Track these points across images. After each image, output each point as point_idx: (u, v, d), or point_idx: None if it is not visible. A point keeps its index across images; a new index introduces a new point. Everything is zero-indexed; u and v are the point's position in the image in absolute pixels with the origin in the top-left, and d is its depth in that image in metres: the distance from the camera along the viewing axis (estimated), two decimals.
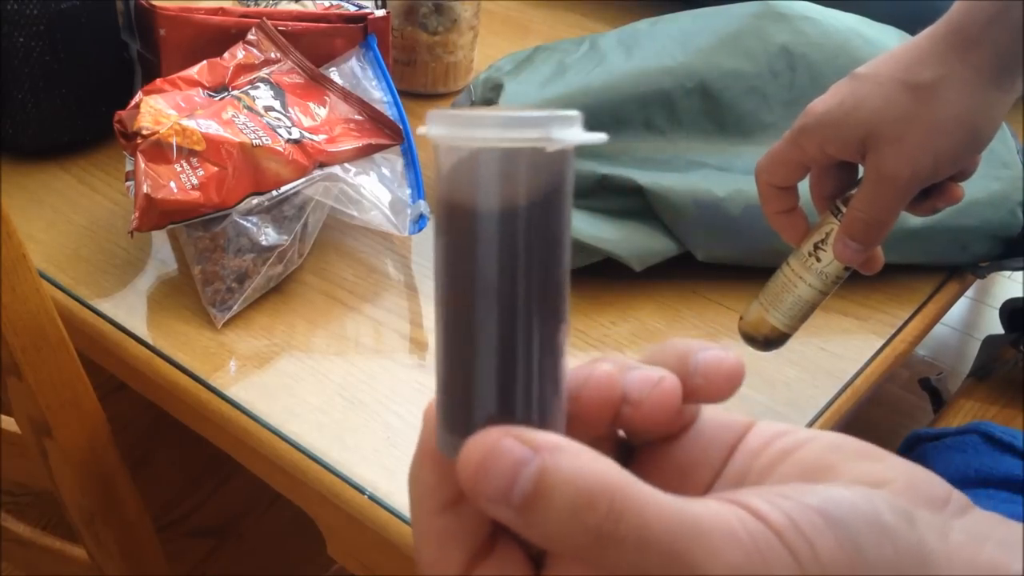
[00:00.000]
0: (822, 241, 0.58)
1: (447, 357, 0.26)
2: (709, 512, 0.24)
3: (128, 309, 0.72)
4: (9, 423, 0.73)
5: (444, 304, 0.26)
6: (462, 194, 0.25)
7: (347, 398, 0.66)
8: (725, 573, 0.23)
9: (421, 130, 0.25)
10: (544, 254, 0.25)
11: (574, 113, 0.24)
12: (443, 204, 0.25)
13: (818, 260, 0.58)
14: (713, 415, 0.30)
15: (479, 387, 0.25)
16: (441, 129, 0.25)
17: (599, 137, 0.25)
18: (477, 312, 0.25)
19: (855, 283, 0.77)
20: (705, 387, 0.28)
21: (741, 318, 0.63)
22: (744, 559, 0.23)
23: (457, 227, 0.25)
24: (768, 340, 0.62)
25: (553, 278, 0.25)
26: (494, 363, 0.25)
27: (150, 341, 0.70)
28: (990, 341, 0.99)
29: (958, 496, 0.28)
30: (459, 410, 0.26)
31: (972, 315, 1.97)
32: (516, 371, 0.25)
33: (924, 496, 0.27)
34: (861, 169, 0.57)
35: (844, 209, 0.58)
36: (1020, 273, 0.81)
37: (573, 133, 0.24)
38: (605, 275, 0.75)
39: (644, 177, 0.74)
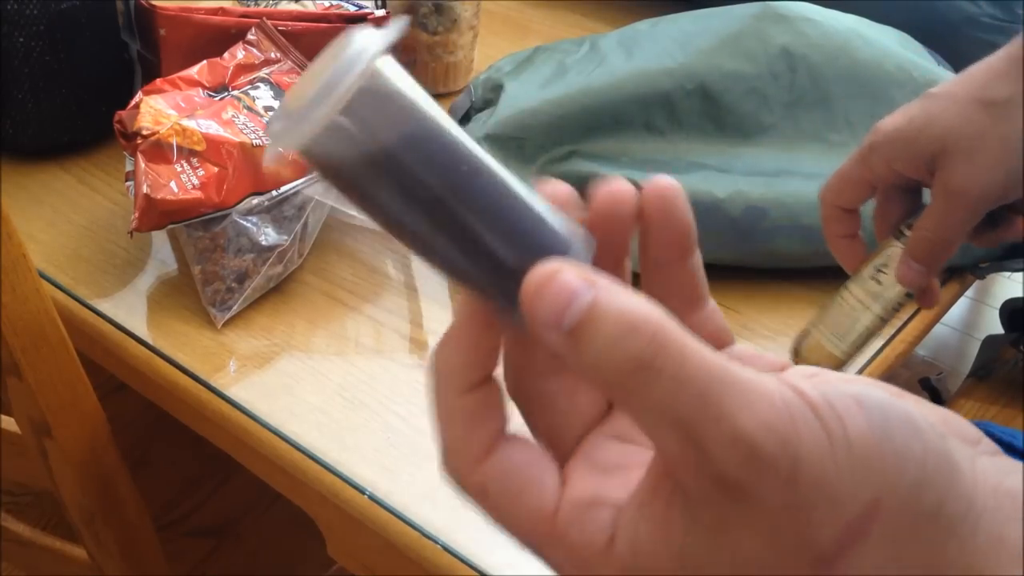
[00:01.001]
0: (884, 265, 0.58)
1: (447, 268, 0.28)
2: (748, 373, 0.24)
3: (128, 309, 0.72)
4: (9, 423, 0.73)
5: (409, 242, 0.28)
6: (331, 173, 0.27)
7: (347, 398, 0.66)
8: (753, 426, 0.23)
9: (269, 158, 0.27)
10: (434, 161, 0.27)
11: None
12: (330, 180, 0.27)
13: (879, 283, 0.58)
14: (751, 352, 0.31)
15: (480, 273, 0.28)
16: (280, 142, 0.26)
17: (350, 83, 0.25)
18: (425, 235, 0.28)
19: None
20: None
21: (795, 351, 0.61)
22: (775, 417, 0.23)
23: (355, 194, 0.27)
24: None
25: (458, 169, 0.27)
26: (473, 249, 0.28)
27: (150, 341, 0.70)
28: (990, 341, 0.99)
29: (988, 441, 0.28)
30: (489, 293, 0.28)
31: (972, 315, 1.97)
32: (488, 241, 0.27)
33: (956, 430, 0.28)
34: (927, 196, 0.57)
35: (908, 233, 0.57)
36: (1020, 273, 0.81)
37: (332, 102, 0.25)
38: None
39: (644, 178, 0.74)
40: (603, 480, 0.28)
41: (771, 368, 0.29)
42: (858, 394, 0.25)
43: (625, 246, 0.31)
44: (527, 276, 0.25)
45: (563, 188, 0.31)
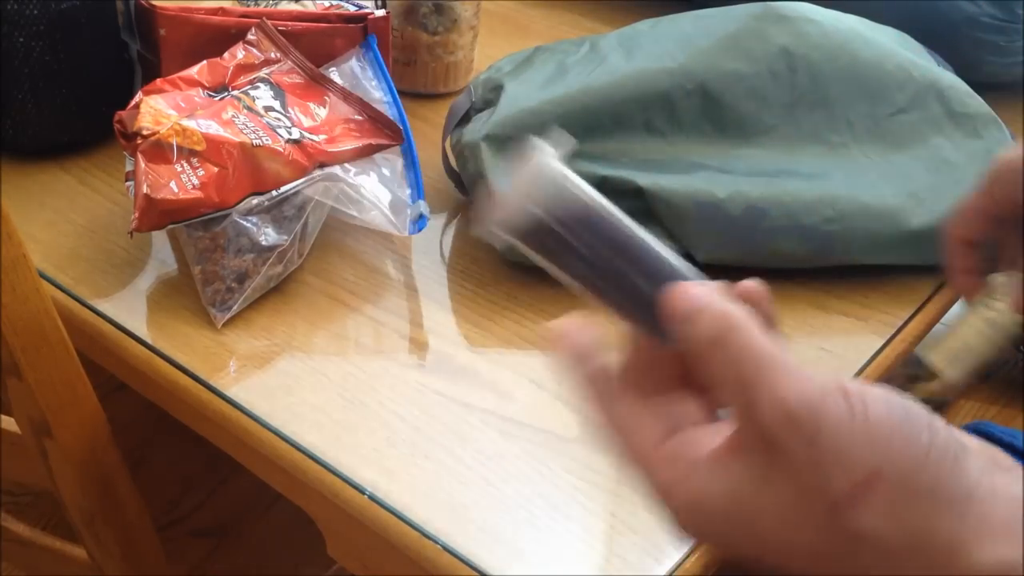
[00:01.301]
0: (1000, 294, 0.58)
1: (613, 306, 0.39)
2: (798, 364, 0.33)
3: (128, 309, 0.72)
4: (9, 423, 0.73)
5: (587, 291, 0.39)
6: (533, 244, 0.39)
7: (347, 398, 0.66)
8: (791, 394, 0.32)
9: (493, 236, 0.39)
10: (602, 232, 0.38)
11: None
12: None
13: (993, 311, 0.59)
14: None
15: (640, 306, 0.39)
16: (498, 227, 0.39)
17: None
18: (597, 284, 0.39)
19: (855, 283, 0.77)
20: None
21: (913, 376, 0.62)
22: (809, 390, 0.32)
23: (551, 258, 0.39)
24: (945, 394, 0.61)
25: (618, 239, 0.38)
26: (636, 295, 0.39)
27: (150, 341, 0.70)
28: None
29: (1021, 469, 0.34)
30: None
31: None
32: (641, 285, 0.38)
33: (988, 454, 0.34)
34: None
35: None
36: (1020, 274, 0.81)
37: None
38: None
39: (644, 179, 0.74)
40: (692, 444, 0.37)
41: None
42: (890, 395, 0.32)
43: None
44: (670, 289, 0.36)
45: (754, 286, 0.39)
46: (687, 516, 0.35)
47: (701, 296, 0.35)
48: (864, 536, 0.31)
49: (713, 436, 0.36)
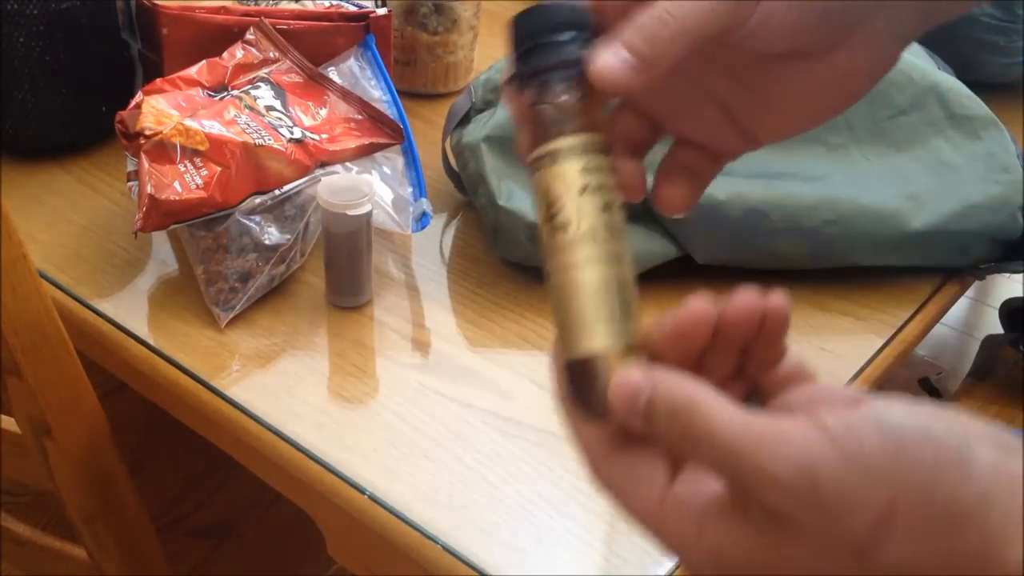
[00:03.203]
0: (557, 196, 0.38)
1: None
2: (771, 424, 0.31)
3: (128, 309, 0.72)
4: (9, 423, 0.73)
5: None
6: None
7: (347, 398, 0.66)
8: (775, 466, 0.30)
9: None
10: None
11: None
12: None
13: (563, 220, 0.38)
14: (829, 387, 0.37)
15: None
16: None
17: None
18: None
19: (855, 283, 0.77)
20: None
21: None
22: (792, 454, 0.30)
23: None
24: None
25: None
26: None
27: (150, 341, 0.70)
28: (990, 341, 1.00)
29: (1013, 440, 0.32)
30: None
31: (972, 315, 1.97)
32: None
33: (992, 437, 0.32)
34: None
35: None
36: (1020, 274, 0.81)
37: None
38: None
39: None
40: (696, 485, 0.35)
41: (844, 400, 0.34)
42: (878, 416, 0.31)
43: (695, 360, 0.37)
44: (612, 385, 0.34)
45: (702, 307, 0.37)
46: (710, 568, 0.34)
47: (643, 385, 0.34)
48: (895, 568, 0.30)
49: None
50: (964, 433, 0.31)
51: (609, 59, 0.36)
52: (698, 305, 0.37)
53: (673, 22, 0.36)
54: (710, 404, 0.32)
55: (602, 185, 0.37)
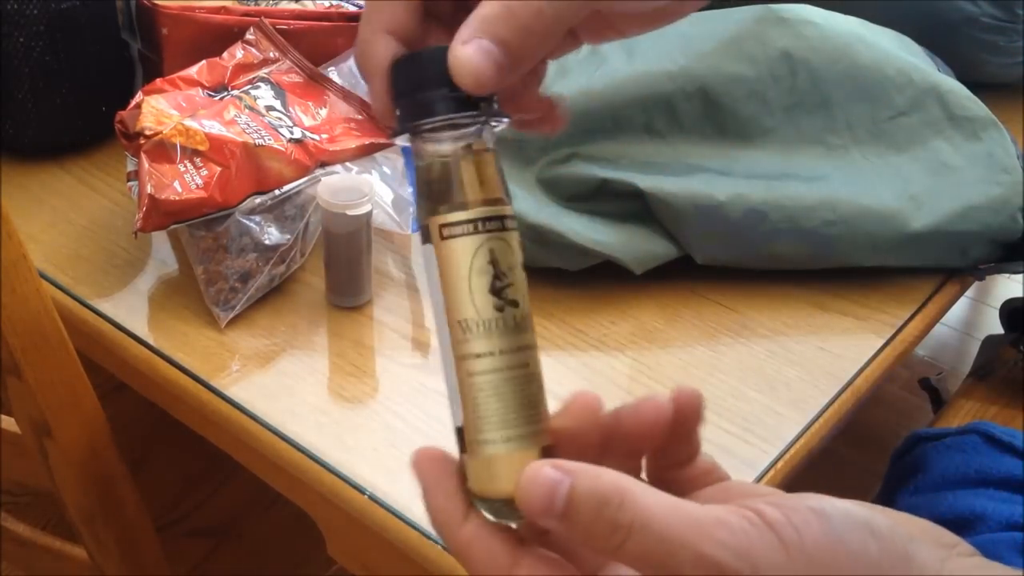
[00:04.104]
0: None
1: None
2: (704, 509, 0.29)
3: (128, 309, 0.72)
4: (9, 423, 0.73)
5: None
6: None
7: (347, 398, 0.66)
8: (712, 548, 0.28)
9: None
10: None
11: None
12: None
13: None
14: (741, 485, 0.35)
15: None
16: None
17: None
18: None
19: (855, 283, 0.77)
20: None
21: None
22: (730, 537, 0.29)
23: None
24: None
25: None
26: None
27: (150, 341, 0.70)
28: (990, 341, 1.00)
29: (966, 545, 0.31)
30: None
31: (972, 315, 1.97)
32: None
33: (933, 537, 0.31)
34: None
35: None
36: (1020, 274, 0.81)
37: None
38: (605, 276, 0.75)
39: (644, 181, 0.74)
40: None
41: (755, 494, 0.33)
42: (818, 507, 0.29)
43: (596, 448, 0.34)
44: (519, 480, 0.31)
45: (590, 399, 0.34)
46: None
47: (579, 483, 0.30)
48: None
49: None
50: (907, 530, 0.30)
51: (471, 52, 0.31)
52: (586, 399, 0.34)
53: (547, 8, 0.31)
54: (639, 491, 0.30)
55: (496, 264, 0.33)
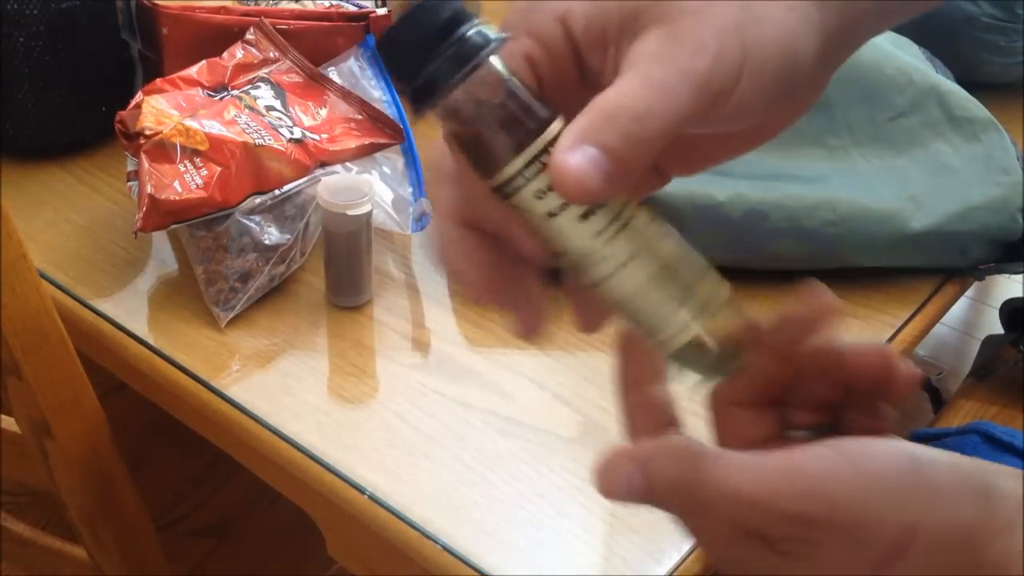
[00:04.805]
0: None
1: None
2: (780, 461, 0.31)
3: (128, 309, 0.72)
4: (9, 423, 0.73)
5: None
6: None
7: (347, 398, 0.66)
8: (792, 506, 0.30)
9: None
10: None
11: None
12: None
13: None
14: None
15: None
16: None
17: None
18: None
19: (855, 283, 0.77)
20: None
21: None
22: (808, 487, 0.31)
23: None
24: None
25: None
26: None
27: (150, 341, 0.70)
28: (990, 341, 1.00)
29: None
30: None
31: (972, 315, 1.97)
32: None
33: (1009, 471, 0.32)
34: None
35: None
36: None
37: None
38: None
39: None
40: None
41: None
42: (901, 444, 0.31)
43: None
44: (595, 471, 0.33)
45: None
46: (729, 571, 0.34)
47: (631, 471, 0.32)
48: None
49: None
50: (990, 467, 0.32)
51: (579, 160, 0.29)
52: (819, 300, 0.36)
53: (651, 116, 0.30)
54: (712, 463, 0.32)
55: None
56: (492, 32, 0.32)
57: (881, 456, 0.31)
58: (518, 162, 0.31)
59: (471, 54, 0.31)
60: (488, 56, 0.31)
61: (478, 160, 0.32)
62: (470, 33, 0.31)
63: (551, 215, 0.32)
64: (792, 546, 0.31)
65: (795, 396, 0.36)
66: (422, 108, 0.31)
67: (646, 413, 0.35)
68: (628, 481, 0.32)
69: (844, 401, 0.36)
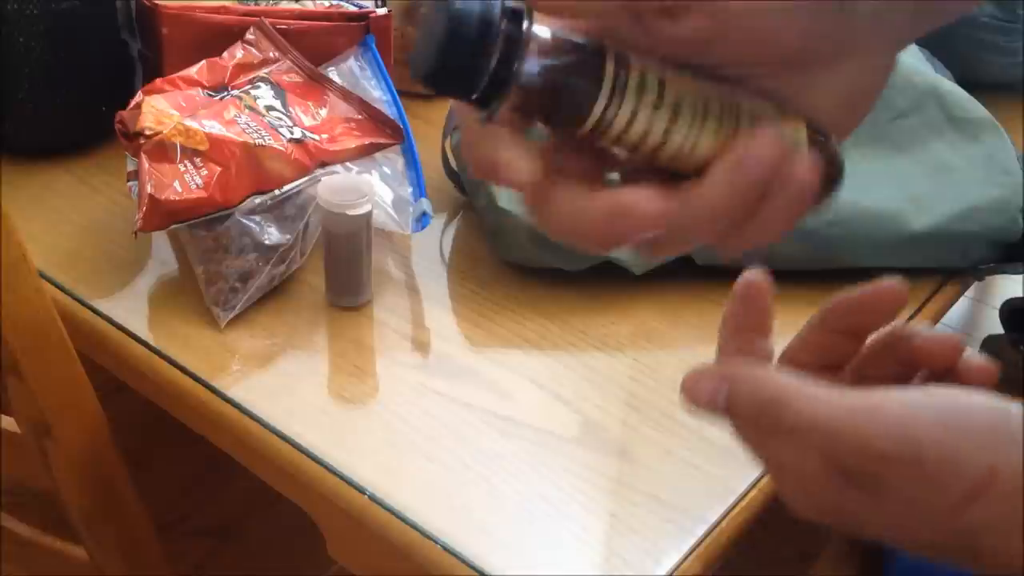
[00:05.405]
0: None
1: None
2: (864, 397, 0.33)
3: (128, 309, 0.72)
4: (9, 423, 0.73)
5: None
6: None
7: (347, 398, 0.66)
8: (874, 442, 0.32)
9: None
10: None
11: None
12: None
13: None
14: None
15: None
16: None
17: None
18: None
19: (855, 283, 0.77)
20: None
21: None
22: (891, 425, 0.32)
23: None
24: None
25: None
26: None
27: (151, 341, 0.70)
28: (990, 341, 1.00)
29: None
30: None
31: (972, 315, 1.97)
32: None
33: None
34: None
35: None
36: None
37: None
38: (605, 276, 0.75)
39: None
40: None
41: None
42: (987, 397, 0.33)
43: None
44: (684, 381, 0.36)
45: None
46: (797, 504, 0.35)
47: (717, 388, 0.35)
48: (981, 525, 0.32)
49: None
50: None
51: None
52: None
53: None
54: (795, 392, 0.33)
55: (639, 89, 0.33)
56: (512, 2, 0.32)
57: (966, 403, 0.32)
58: (603, 97, 0.33)
59: (517, 37, 0.32)
60: (530, 28, 0.32)
61: (567, 113, 0.33)
62: (502, 21, 0.31)
63: (647, 133, 0.33)
64: (868, 482, 0.32)
65: (863, 367, 0.39)
66: (495, 108, 0.32)
67: (745, 357, 0.38)
68: (715, 393, 0.35)
69: (910, 380, 0.38)
